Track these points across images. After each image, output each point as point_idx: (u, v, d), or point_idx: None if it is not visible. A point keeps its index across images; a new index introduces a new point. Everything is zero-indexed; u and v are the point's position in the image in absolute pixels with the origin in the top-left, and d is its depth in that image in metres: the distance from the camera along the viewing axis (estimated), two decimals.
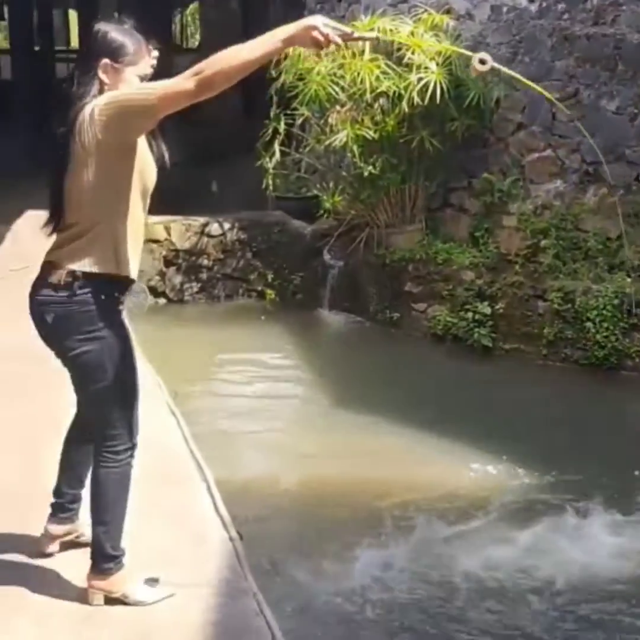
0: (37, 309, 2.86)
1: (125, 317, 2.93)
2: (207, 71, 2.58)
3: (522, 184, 8.01)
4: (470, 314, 7.75)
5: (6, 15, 16.87)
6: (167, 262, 9.08)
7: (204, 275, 9.18)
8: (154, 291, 8.96)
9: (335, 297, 8.92)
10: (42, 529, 3.25)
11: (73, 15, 25.85)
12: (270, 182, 8.71)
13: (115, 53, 2.78)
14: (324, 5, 11.27)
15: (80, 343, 2.80)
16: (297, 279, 9.18)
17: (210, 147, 16.09)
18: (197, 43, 23.03)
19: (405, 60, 7.85)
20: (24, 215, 8.38)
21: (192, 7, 25.23)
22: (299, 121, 8.68)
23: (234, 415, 6.41)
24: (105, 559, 2.96)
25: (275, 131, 8.52)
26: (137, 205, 2.85)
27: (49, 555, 3.22)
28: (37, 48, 16.66)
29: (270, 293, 9.20)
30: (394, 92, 7.89)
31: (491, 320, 7.71)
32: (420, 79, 7.65)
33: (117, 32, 2.82)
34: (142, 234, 2.93)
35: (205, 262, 9.15)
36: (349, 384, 7.18)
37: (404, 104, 7.78)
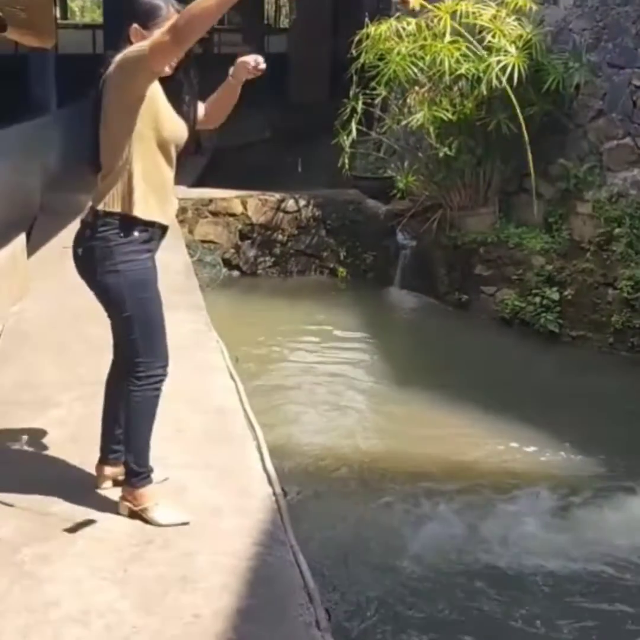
0: (73, 245, 3.21)
1: (149, 256, 3.16)
2: (178, 21, 2.81)
3: (599, 172, 7.94)
4: (538, 299, 7.76)
5: None
6: (243, 236, 9.29)
7: (277, 250, 9.36)
8: (229, 264, 9.19)
9: (406, 276, 9.02)
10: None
11: None
12: (346, 161, 8.80)
13: (143, 17, 3.05)
14: None
15: (102, 276, 3.11)
16: (369, 258, 9.30)
17: (299, 126, 16.32)
18: (290, 24, 23.15)
19: (486, 43, 7.85)
20: None
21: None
22: (377, 101, 8.74)
23: (296, 385, 6.57)
24: (131, 474, 3.26)
25: (353, 110, 8.62)
26: (153, 154, 3.09)
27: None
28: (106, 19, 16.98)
29: (342, 270, 9.35)
30: (473, 75, 7.91)
31: (559, 306, 7.70)
32: (499, 62, 7.65)
33: (150, 2, 3.07)
34: (165, 183, 3.16)
35: (280, 237, 9.34)
36: (414, 362, 7.29)
37: (483, 87, 7.79)
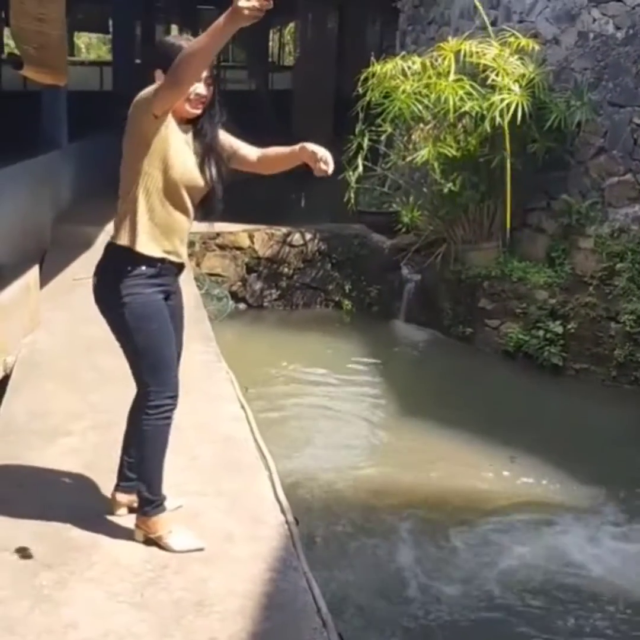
0: (93, 274, 3.29)
1: (157, 290, 3.22)
2: (174, 62, 2.90)
3: (601, 207, 8.06)
4: (542, 333, 7.85)
5: (111, 29, 17.57)
6: (249, 269, 9.41)
7: (283, 283, 9.48)
8: (235, 296, 9.29)
9: (410, 310, 9.13)
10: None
11: (174, 29, 26.65)
12: (352, 196, 8.94)
13: (164, 62, 3.03)
14: (415, 26, 11.53)
15: (111, 306, 3.21)
16: (374, 291, 9.41)
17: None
18: (293, 61, 23.48)
19: (489, 81, 8.01)
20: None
21: (291, 26, 25.74)
22: (383, 138, 8.89)
23: (303, 415, 6.65)
24: (144, 502, 3.33)
25: (359, 147, 8.76)
26: (160, 193, 3.16)
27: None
28: (138, 61, 17.36)
29: (347, 303, 9.46)
30: (477, 113, 8.06)
31: (562, 340, 7.79)
32: (502, 100, 7.81)
33: (170, 43, 3.17)
34: (174, 223, 3.21)
35: (286, 270, 9.46)
36: (419, 394, 7.37)
37: (486, 124, 7.93)
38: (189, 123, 3.22)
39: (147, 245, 3.16)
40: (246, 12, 2.73)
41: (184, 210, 3.23)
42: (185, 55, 2.86)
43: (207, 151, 3.25)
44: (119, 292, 3.15)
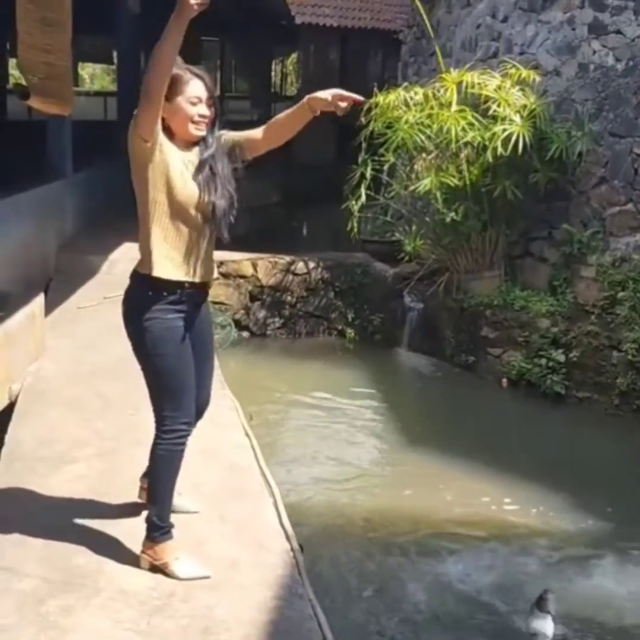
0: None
1: (177, 316, 3.26)
2: (143, 80, 3.04)
3: (602, 237, 8.12)
4: (544, 361, 7.87)
5: (115, 60, 17.77)
6: (252, 297, 9.45)
7: (286, 312, 9.51)
8: (239, 324, 9.32)
9: (413, 338, 9.15)
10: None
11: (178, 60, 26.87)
12: (355, 224, 9.01)
13: (173, 88, 3.13)
14: (416, 57, 11.66)
15: (134, 332, 3.29)
16: (377, 320, 9.44)
17: (306, 190, 16.64)
18: (295, 91, 23.70)
19: (491, 112, 8.09)
20: (121, 246, 8.87)
21: (294, 56, 26.01)
22: (385, 167, 8.97)
23: (306, 443, 6.66)
24: (152, 528, 3.35)
25: (362, 176, 8.84)
26: (171, 217, 3.22)
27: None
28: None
29: (350, 332, 9.49)
30: (479, 143, 8.13)
31: (565, 368, 7.81)
32: (504, 131, 7.88)
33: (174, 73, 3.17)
34: (189, 244, 3.26)
35: (289, 298, 9.50)
36: (422, 422, 7.39)
37: (488, 154, 8.00)
38: (195, 145, 3.28)
39: (165, 270, 3.21)
40: (193, 2, 2.84)
41: (198, 230, 3.27)
42: (150, 66, 2.98)
43: (222, 175, 3.28)
44: (141, 317, 3.23)
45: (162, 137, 3.16)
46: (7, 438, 4.64)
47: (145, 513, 3.48)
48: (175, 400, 3.29)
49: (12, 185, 7.74)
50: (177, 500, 3.61)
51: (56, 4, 4.43)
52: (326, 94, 3.29)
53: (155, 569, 3.36)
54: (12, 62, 20.59)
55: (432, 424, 7.29)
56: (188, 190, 3.21)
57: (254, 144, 3.41)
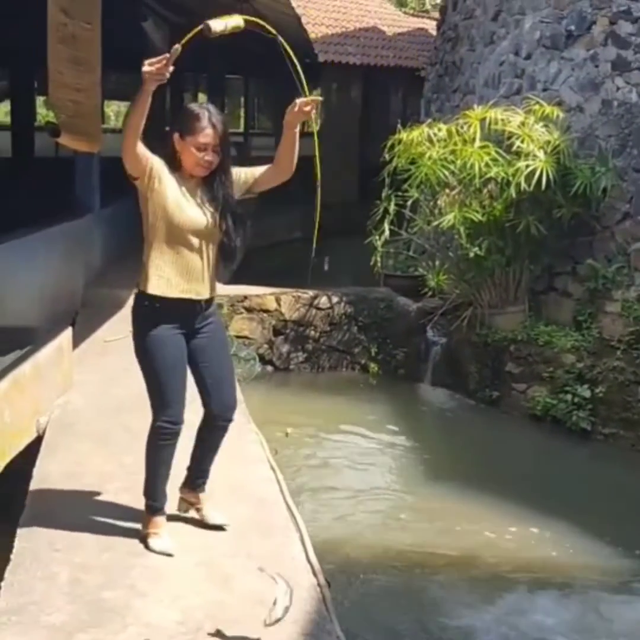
0: None
1: (174, 327, 3.66)
2: None
3: (627, 272, 8.11)
4: (569, 397, 7.83)
5: None
6: (276, 332, 9.48)
7: (310, 346, 9.53)
8: (262, 359, 9.34)
9: (436, 373, 9.14)
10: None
11: (202, 97, 27.24)
12: (379, 259, 9.05)
13: (181, 126, 3.59)
14: (439, 94, 11.76)
15: (134, 341, 3.72)
16: (400, 354, 9.44)
17: (327, 226, 16.70)
18: (316, 128, 23.83)
19: (515, 148, 8.13)
20: None
21: (315, 93, 26.27)
22: (409, 203, 9.02)
23: (331, 477, 6.65)
24: (145, 502, 3.87)
25: (386, 211, 8.89)
26: (168, 240, 3.62)
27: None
28: (167, 128, 17.75)
29: (374, 366, 9.49)
30: (502, 178, 8.17)
31: (590, 404, 7.77)
32: (528, 166, 7.92)
33: (190, 111, 3.63)
34: (186, 264, 3.65)
35: (312, 333, 9.52)
36: (445, 457, 7.36)
37: (512, 189, 8.03)
38: (202, 177, 3.65)
39: (158, 287, 3.61)
40: (147, 76, 3.30)
41: (195, 251, 3.65)
42: (123, 125, 3.52)
43: (223, 204, 3.66)
44: (136, 326, 3.70)
45: (160, 170, 3.57)
46: (35, 471, 4.66)
47: (174, 549, 3.63)
48: (160, 400, 3.70)
49: (42, 220, 7.84)
50: (208, 511, 4.03)
51: (86, 44, 4.53)
52: (293, 105, 3.60)
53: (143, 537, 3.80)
54: (39, 100, 20.91)
55: (457, 459, 7.26)
56: (184, 215, 3.60)
57: (266, 177, 3.77)
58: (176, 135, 3.60)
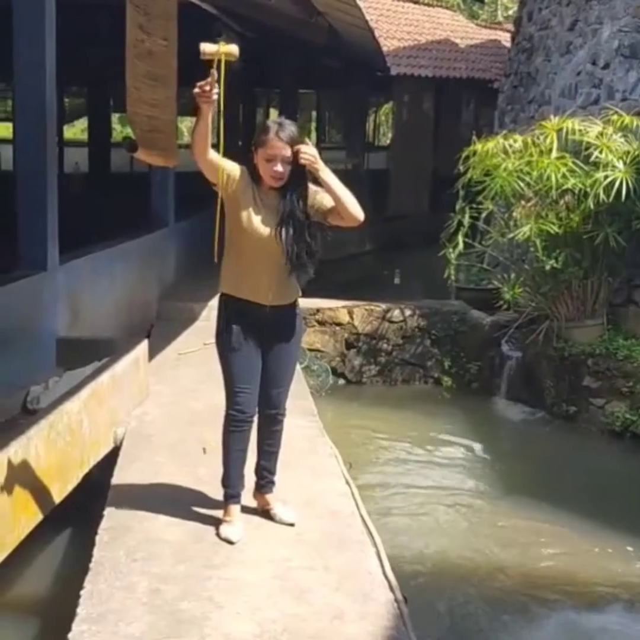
0: None
1: (244, 324, 3.91)
2: None
3: None
4: None
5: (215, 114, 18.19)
6: (348, 345, 9.45)
7: (382, 359, 9.47)
8: (334, 372, 9.32)
9: (511, 387, 8.99)
10: None
11: (274, 113, 27.46)
12: (453, 272, 8.97)
13: (257, 140, 3.82)
14: (513, 105, 11.63)
15: (215, 333, 4.01)
16: (474, 368, 9.32)
17: (399, 239, 16.73)
18: (388, 142, 23.84)
19: (593, 159, 7.98)
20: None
21: (386, 107, 26.22)
22: (483, 215, 8.92)
23: (405, 492, 6.57)
24: (222, 488, 4.11)
25: (460, 224, 8.81)
26: (240, 245, 3.88)
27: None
28: (240, 143, 17.94)
29: (447, 380, 9.38)
30: (580, 190, 8.02)
31: None
32: (606, 177, 7.76)
33: (262, 125, 3.90)
34: (249, 271, 3.89)
35: (385, 346, 9.46)
36: (522, 473, 7.21)
37: (590, 201, 7.88)
38: (276, 189, 3.85)
39: (228, 287, 3.94)
40: (197, 98, 3.51)
41: (260, 258, 3.86)
42: (191, 139, 3.73)
43: (288, 216, 3.83)
44: (217, 322, 4.00)
45: (239, 178, 3.81)
46: (113, 481, 4.71)
47: (250, 561, 3.63)
48: (229, 390, 3.98)
49: (118, 234, 7.98)
50: (277, 510, 4.21)
51: (162, 60, 4.61)
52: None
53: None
54: (114, 117, 21.34)
55: (534, 475, 7.11)
56: (251, 225, 3.82)
57: (330, 215, 3.90)
58: (253, 149, 3.84)
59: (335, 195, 3.79)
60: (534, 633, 4.65)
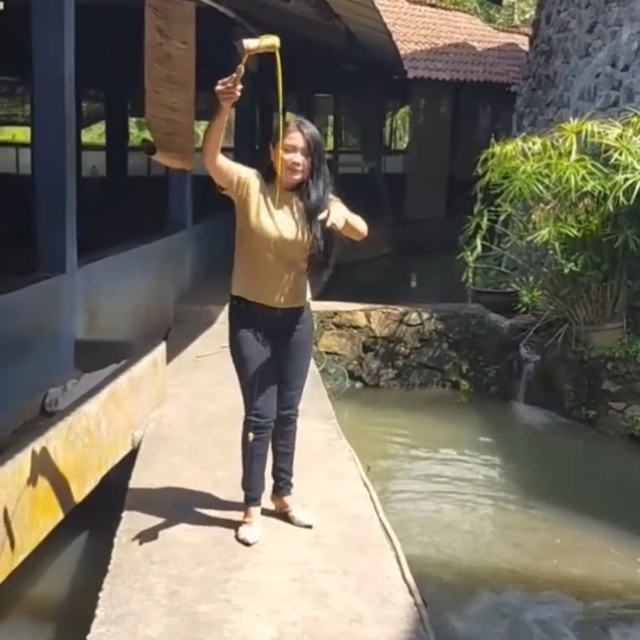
0: None
1: (253, 326, 3.89)
2: None
3: None
4: None
5: (233, 118, 18.26)
6: (366, 348, 9.42)
7: (400, 363, 9.44)
8: (351, 375, 9.30)
9: (530, 391, 8.94)
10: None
11: (290, 117, 27.46)
12: (471, 275, 8.93)
13: (275, 137, 3.80)
14: (532, 108, 11.59)
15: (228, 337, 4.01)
16: (492, 372, 9.27)
17: (415, 242, 16.71)
18: (404, 145, 23.80)
19: (612, 161, 7.93)
20: None
21: (403, 111, 26.20)
22: (501, 218, 8.88)
23: (421, 495, 6.54)
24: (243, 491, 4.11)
25: (478, 226, 8.77)
26: (250, 246, 3.85)
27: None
28: (257, 147, 17.98)
29: (465, 384, 9.34)
30: (599, 192, 7.96)
31: None
32: (626, 180, 7.70)
33: (286, 123, 3.83)
34: (259, 273, 3.86)
35: (402, 349, 9.43)
36: (541, 477, 7.14)
37: (609, 203, 7.82)
38: (293, 190, 3.83)
39: (239, 289, 3.91)
40: (220, 95, 3.45)
41: (272, 261, 3.83)
42: (203, 140, 3.66)
43: (311, 213, 3.79)
44: (229, 325, 3.99)
45: (250, 181, 3.81)
46: (131, 484, 4.71)
47: (269, 564, 3.62)
48: (245, 395, 3.97)
49: (136, 237, 7.98)
50: (295, 513, 4.20)
51: (181, 64, 4.62)
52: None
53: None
54: (132, 121, 21.41)
55: (552, 480, 7.05)
56: (261, 226, 3.80)
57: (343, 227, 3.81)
58: (271, 146, 3.85)
59: (356, 232, 3.84)
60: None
